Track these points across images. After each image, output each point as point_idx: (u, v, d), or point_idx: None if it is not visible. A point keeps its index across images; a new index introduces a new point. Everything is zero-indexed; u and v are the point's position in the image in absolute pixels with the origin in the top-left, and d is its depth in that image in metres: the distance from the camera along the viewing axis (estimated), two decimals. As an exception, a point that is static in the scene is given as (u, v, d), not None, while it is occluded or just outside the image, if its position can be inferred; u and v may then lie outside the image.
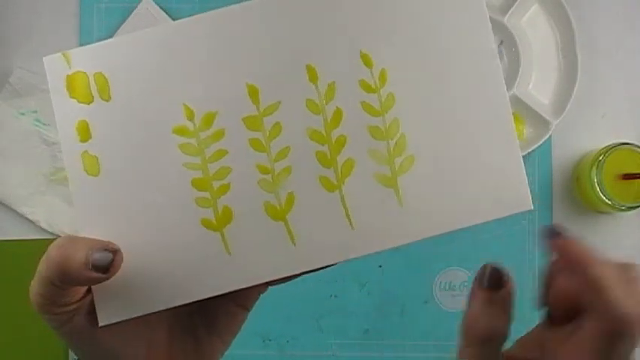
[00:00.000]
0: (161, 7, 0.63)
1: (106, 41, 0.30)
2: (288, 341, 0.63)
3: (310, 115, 0.29)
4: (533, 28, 0.63)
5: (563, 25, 0.63)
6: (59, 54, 0.31)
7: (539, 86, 0.63)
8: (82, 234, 0.30)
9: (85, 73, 0.30)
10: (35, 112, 0.64)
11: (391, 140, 0.30)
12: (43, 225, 0.63)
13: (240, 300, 0.34)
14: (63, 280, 0.27)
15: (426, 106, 0.30)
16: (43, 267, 0.28)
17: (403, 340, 0.63)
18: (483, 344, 0.28)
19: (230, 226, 0.29)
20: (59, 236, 0.63)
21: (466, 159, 0.30)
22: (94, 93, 0.30)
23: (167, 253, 0.29)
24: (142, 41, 0.30)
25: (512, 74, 0.62)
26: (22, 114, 0.64)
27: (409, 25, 0.30)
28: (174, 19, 0.63)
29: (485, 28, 0.31)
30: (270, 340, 0.63)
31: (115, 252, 0.28)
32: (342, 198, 0.29)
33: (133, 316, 0.29)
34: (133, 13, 0.63)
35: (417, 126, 0.30)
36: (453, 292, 0.63)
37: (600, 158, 0.57)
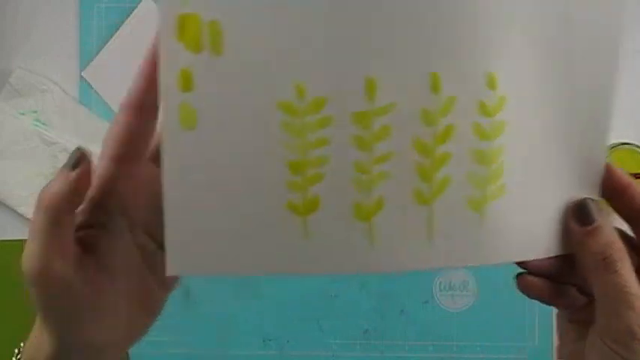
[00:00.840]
0: (161, 7, 0.63)
1: None
2: (288, 341, 0.63)
3: (422, 125, 0.28)
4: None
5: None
6: None
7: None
8: (165, 186, 0.28)
9: (199, 16, 0.26)
10: (35, 112, 0.64)
11: (490, 167, 0.29)
12: (43, 225, 0.63)
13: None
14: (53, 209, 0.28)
15: (530, 142, 0.30)
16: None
17: (403, 340, 0.63)
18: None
19: (314, 214, 0.28)
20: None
21: (551, 198, 0.30)
22: (205, 42, 0.27)
23: (247, 225, 0.28)
24: (260, 3, 0.27)
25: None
26: (22, 114, 0.64)
27: (542, 56, 0.29)
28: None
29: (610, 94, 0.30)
30: (270, 340, 0.63)
31: (83, 153, 0.28)
32: (431, 213, 0.29)
33: (199, 274, 0.29)
34: (133, 13, 0.63)
35: (516, 158, 0.29)
36: (453, 292, 0.63)
37: (600, 158, 0.57)
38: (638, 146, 0.58)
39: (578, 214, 0.30)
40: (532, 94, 0.29)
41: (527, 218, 0.30)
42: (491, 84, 0.28)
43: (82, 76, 0.64)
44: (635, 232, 0.31)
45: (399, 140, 0.28)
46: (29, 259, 0.31)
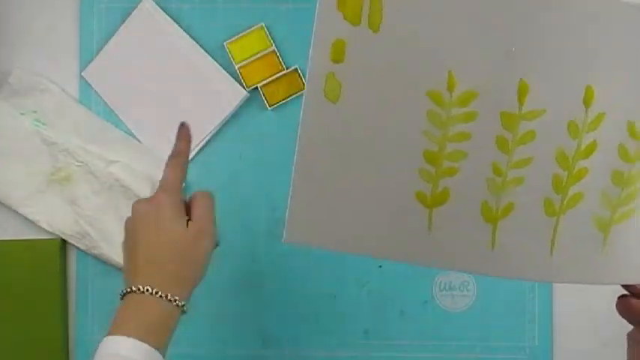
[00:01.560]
0: (161, 7, 0.63)
1: None
2: (288, 341, 0.63)
3: (567, 136, 0.28)
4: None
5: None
6: None
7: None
8: (298, 156, 0.29)
9: None
10: (35, 112, 0.64)
11: (625, 189, 0.28)
12: (43, 225, 0.63)
13: None
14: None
15: None
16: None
17: (403, 340, 0.63)
18: None
19: (441, 208, 0.29)
20: (59, 236, 0.63)
21: None
22: (364, 16, 0.26)
23: (372, 206, 0.28)
24: None
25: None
26: (22, 114, 0.64)
27: None
28: (174, 20, 0.63)
29: None
30: (270, 340, 0.63)
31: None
32: (556, 225, 0.29)
33: (315, 245, 0.29)
34: (133, 13, 0.63)
35: None
36: (453, 292, 0.63)
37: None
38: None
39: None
40: None
41: None
42: None
43: (82, 76, 0.64)
44: None
45: (541, 148, 0.28)
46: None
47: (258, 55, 0.64)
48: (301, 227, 0.28)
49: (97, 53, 0.64)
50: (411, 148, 0.28)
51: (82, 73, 0.64)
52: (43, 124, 0.64)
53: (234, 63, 0.63)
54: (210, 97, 0.63)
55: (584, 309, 0.64)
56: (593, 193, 0.28)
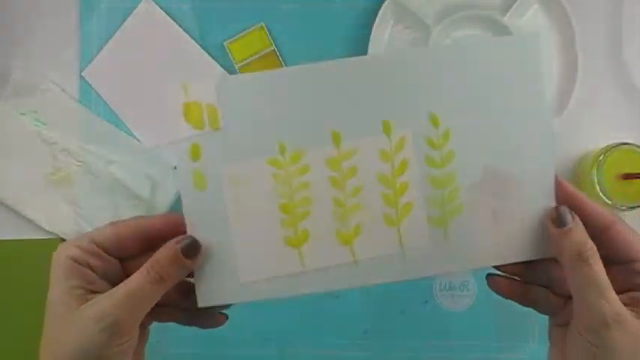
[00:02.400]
0: (161, 7, 0.63)
1: (217, 76, 0.36)
2: (288, 341, 0.63)
3: (381, 162, 0.36)
4: (533, 28, 0.63)
5: (563, 25, 0.63)
6: (179, 85, 0.37)
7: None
8: (190, 232, 0.36)
9: (199, 103, 0.36)
10: (35, 112, 0.64)
11: (446, 189, 0.36)
12: (43, 225, 0.63)
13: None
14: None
15: (482, 165, 0.36)
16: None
17: (403, 340, 0.63)
18: None
19: (306, 244, 0.36)
20: (59, 236, 0.63)
21: (505, 212, 0.36)
22: (206, 121, 0.36)
23: (254, 260, 0.36)
24: (250, 83, 0.36)
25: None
26: (22, 114, 0.64)
27: (473, 95, 0.36)
28: (174, 20, 0.63)
29: (543, 104, 0.37)
30: (270, 340, 0.63)
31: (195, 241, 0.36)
32: (399, 233, 0.36)
33: (223, 303, 0.37)
34: (133, 13, 0.63)
35: (469, 180, 0.36)
36: (453, 292, 0.63)
37: (600, 158, 0.57)
38: (638, 146, 0.58)
39: (555, 219, 0.34)
40: (476, 126, 0.36)
41: (488, 229, 0.36)
42: (434, 122, 0.36)
43: (82, 76, 0.64)
44: (596, 244, 0.34)
45: (365, 177, 0.36)
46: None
47: (258, 55, 0.64)
48: (207, 292, 0.36)
49: (97, 53, 0.64)
50: (269, 206, 0.36)
51: (82, 73, 0.64)
52: (43, 124, 0.64)
53: (234, 63, 0.64)
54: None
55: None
56: (419, 200, 0.36)
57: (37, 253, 0.63)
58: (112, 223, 0.37)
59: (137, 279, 0.34)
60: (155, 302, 0.35)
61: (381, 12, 0.63)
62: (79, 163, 0.63)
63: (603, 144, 0.59)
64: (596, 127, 0.64)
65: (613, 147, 0.57)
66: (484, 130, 0.36)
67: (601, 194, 0.57)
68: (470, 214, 0.36)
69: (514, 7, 0.61)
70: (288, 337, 0.63)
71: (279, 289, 0.36)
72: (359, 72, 0.35)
